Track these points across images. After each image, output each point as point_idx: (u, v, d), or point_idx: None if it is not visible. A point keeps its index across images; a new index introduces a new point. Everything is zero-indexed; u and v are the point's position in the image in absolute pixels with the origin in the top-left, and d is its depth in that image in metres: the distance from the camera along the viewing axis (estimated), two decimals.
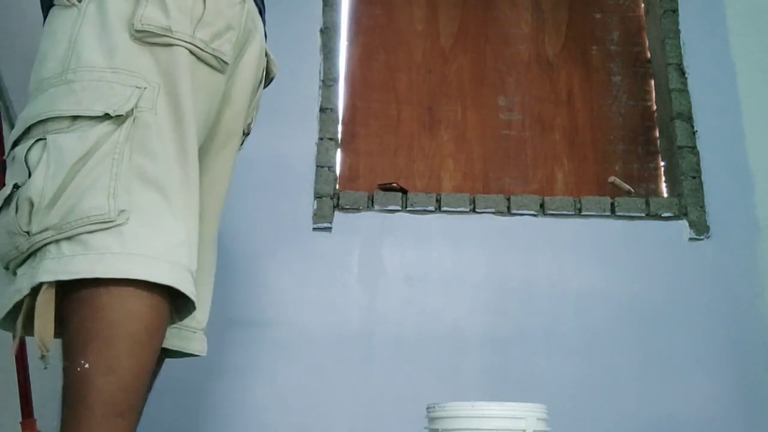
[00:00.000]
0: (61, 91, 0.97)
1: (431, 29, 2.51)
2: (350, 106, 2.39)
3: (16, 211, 0.91)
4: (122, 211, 0.90)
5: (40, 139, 0.94)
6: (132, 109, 0.95)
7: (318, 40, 2.34)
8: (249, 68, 1.19)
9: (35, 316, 0.87)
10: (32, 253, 0.90)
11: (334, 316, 2.05)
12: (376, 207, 2.16)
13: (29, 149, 0.93)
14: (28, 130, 0.95)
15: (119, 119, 0.94)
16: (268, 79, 1.32)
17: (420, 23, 2.51)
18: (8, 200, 0.92)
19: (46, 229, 0.89)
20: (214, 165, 1.21)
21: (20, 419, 1.26)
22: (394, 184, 2.22)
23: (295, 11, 2.32)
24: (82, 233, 0.89)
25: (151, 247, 0.90)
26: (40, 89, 0.99)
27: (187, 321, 1.12)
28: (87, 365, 0.85)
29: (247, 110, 1.24)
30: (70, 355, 0.87)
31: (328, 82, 2.29)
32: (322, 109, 2.26)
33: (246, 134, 1.30)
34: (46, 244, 0.89)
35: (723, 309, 2.05)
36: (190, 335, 1.17)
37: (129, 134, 0.94)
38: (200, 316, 1.17)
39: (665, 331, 2.03)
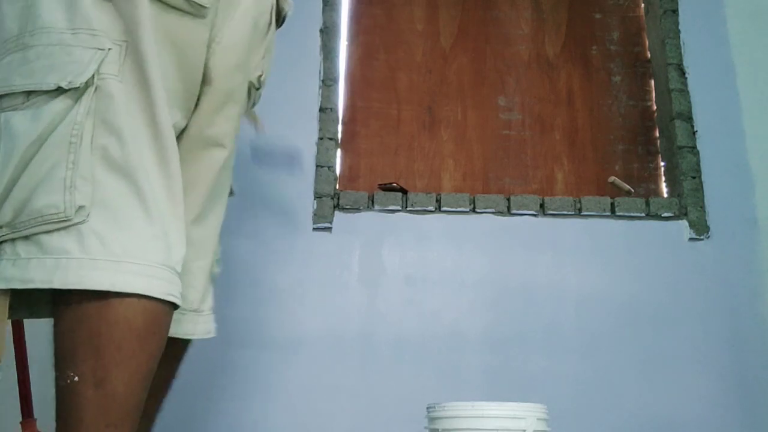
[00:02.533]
0: (17, 60, 0.85)
1: (431, 29, 2.51)
2: (350, 106, 2.39)
3: None
4: (81, 207, 0.80)
5: None
6: (92, 77, 0.83)
7: (318, 39, 2.34)
8: (246, 12, 1.03)
9: None
10: None
11: (334, 316, 2.04)
12: (376, 207, 2.16)
13: None
14: None
15: (76, 92, 0.82)
16: (280, 18, 1.15)
17: (420, 23, 2.51)
18: None
19: (8, 225, 0.81)
20: (211, 128, 1.05)
21: (20, 419, 1.26)
22: (395, 184, 2.21)
23: (294, 11, 2.31)
24: (38, 233, 0.80)
25: (114, 249, 0.81)
26: None
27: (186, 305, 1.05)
28: (76, 378, 0.79)
29: (248, 60, 1.07)
30: (58, 366, 0.82)
31: (328, 82, 2.29)
32: (322, 109, 2.26)
33: (257, 88, 1.15)
34: (1, 242, 0.82)
35: (723, 309, 2.05)
36: (195, 318, 1.09)
37: (89, 108, 0.82)
38: (192, 296, 1.08)
39: (665, 331, 2.03)
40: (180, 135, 1.01)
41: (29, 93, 0.83)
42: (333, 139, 2.23)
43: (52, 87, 0.82)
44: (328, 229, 2.13)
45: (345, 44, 2.44)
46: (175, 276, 0.87)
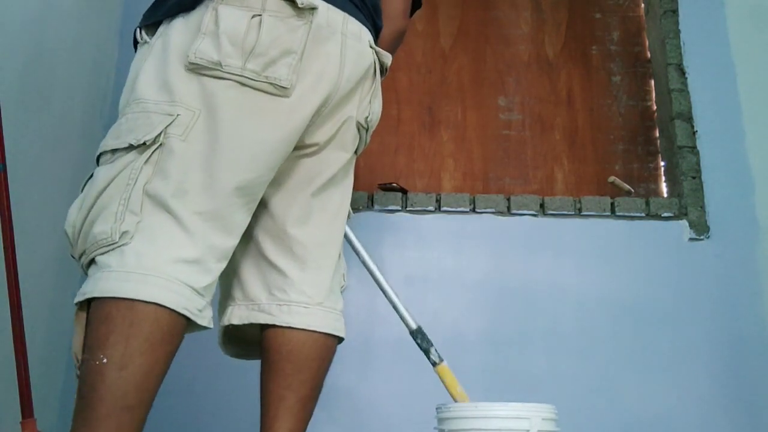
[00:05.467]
0: (116, 125, 1.07)
1: (431, 29, 2.50)
2: None
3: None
4: (125, 232, 0.98)
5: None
6: (158, 136, 1.02)
7: None
8: (324, 73, 1.15)
9: (75, 332, 0.99)
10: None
11: None
12: (376, 207, 2.15)
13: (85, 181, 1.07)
14: (97, 159, 1.08)
15: (144, 147, 1.02)
16: (383, 68, 1.31)
17: (420, 23, 2.50)
18: None
19: (83, 254, 1.01)
20: (325, 169, 1.24)
21: (20, 419, 1.25)
22: (394, 184, 2.21)
23: None
24: (97, 255, 0.99)
25: (146, 264, 0.96)
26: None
27: (296, 297, 1.21)
28: (105, 359, 0.92)
29: (337, 109, 1.19)
30: (90, 349, 0.95)
31: None
32: None
33: (366, 128, 1.29)
34: (89, 263, 1.02)
35: (723, 309, 2.05)
36: (301, 311, 1.23)
37: (151, 159, 1.02)
38: (310, 291, 1.23)
39: (665, 331, 2.03)
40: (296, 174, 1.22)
41: (114, 150, 1.04)
42: None
43: (126, 145, 1.02)
44: None
45: None
46: (197, 296, 1.01)
